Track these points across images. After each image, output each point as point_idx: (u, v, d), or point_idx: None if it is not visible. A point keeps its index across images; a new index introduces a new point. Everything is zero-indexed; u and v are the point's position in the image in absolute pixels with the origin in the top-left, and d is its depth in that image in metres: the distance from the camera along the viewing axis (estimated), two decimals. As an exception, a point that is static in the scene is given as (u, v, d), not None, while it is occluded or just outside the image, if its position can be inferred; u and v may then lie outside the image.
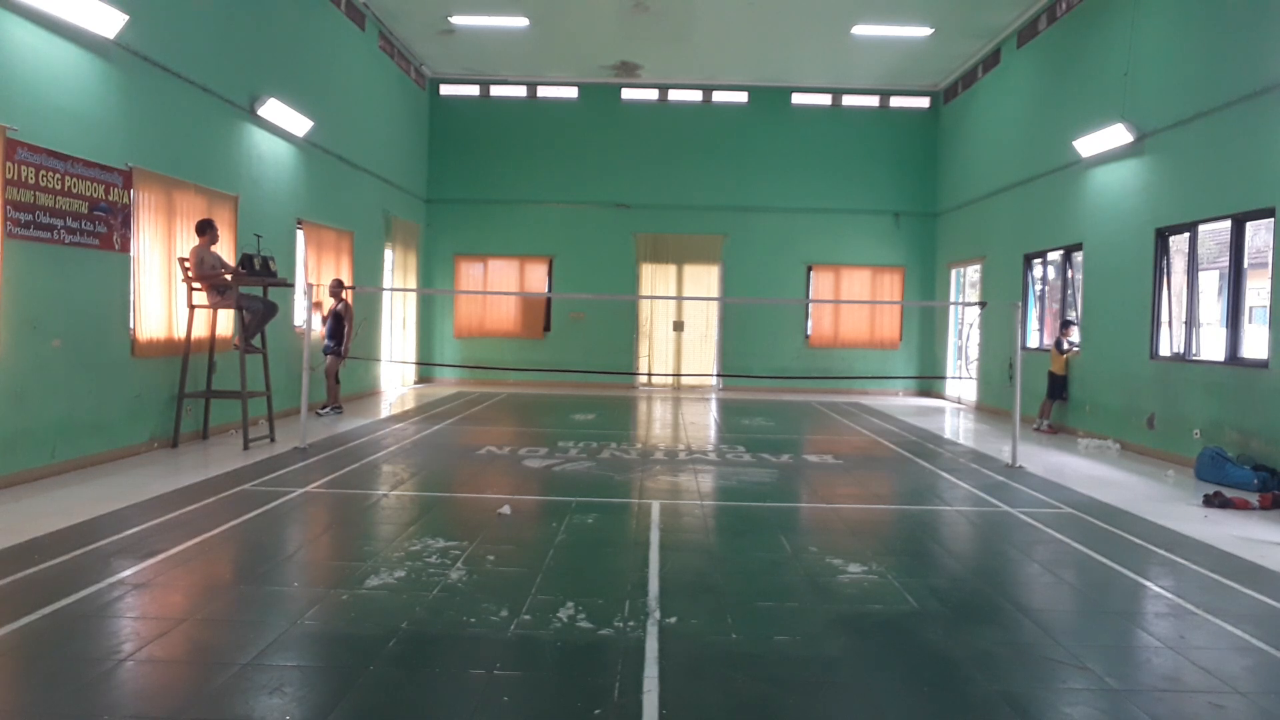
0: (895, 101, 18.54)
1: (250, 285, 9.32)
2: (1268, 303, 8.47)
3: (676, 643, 3.97)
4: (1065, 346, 12.30)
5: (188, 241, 9.07)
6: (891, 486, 8.24)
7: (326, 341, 12.06)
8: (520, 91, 18.54)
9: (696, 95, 18.54)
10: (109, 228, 7.91)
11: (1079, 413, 12.11)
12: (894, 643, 4.10)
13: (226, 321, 9.78)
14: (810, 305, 18.65)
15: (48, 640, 3.84)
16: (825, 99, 18.47)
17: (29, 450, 7.06)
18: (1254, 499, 7.57)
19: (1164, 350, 10.26)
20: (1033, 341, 13.97)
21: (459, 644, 3.93)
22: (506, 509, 6.47)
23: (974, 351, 16.43)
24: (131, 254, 8.31)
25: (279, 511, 6.41)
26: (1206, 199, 9.43)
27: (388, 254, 15.96)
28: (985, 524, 6.70)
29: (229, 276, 8.99)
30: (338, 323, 12.01)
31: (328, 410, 12.01)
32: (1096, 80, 11.78)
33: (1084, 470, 9.17)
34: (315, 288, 12.20)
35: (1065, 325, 12.48)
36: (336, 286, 11.95)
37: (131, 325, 8.38)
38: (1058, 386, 12.36)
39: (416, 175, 17.84)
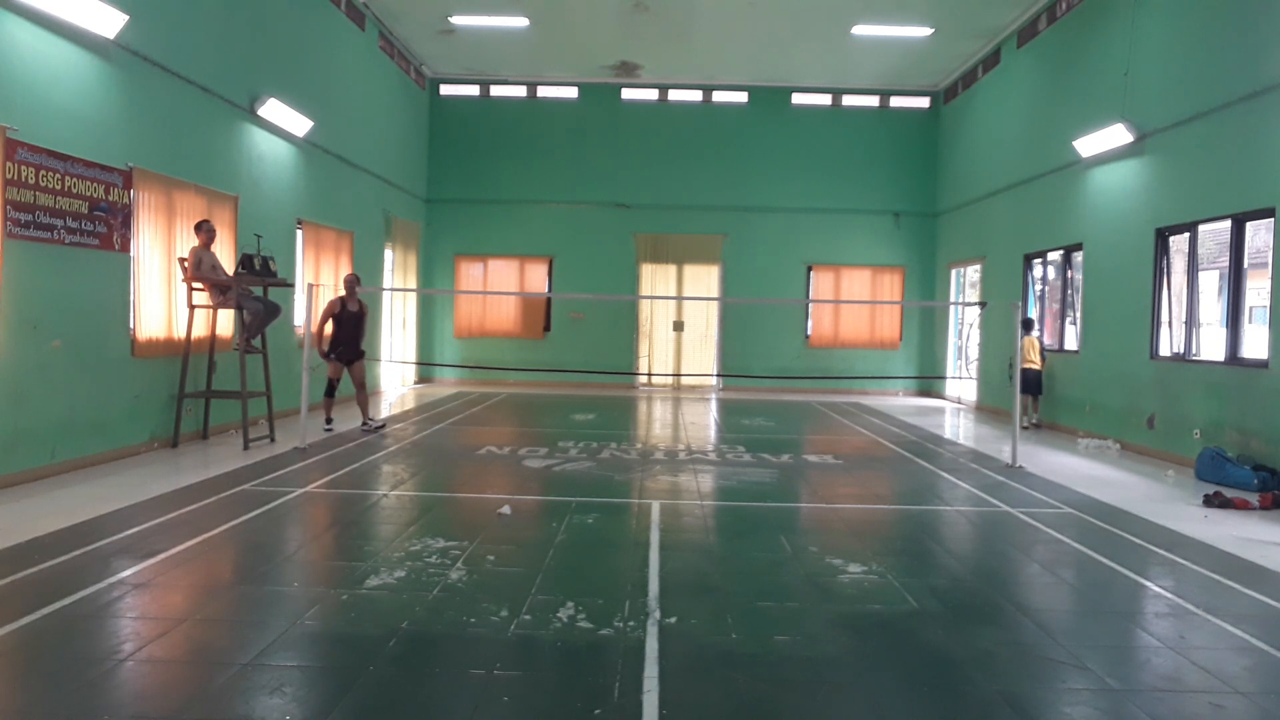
0: (895, 101, 18.54)
1: (251, 285, 9.31)
2: (1268, 303, 8.47)
3: (676, 643, 3.97)
4: (1045, 350, 12.86)
5: (188, 241, 9.07)
6: (891, 486, 8.24)
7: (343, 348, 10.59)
8: (520, 91, 18.54)
9: (696, 95, 18.54)
10: (109, 228, 7.91)
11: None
12: (894, 643, 4.10)
13: (226, 321, 9.78)
14: (810, 305, 18.66)
15: (48, 640, 3.84)
16: (825, 99, 18.47)
17: (29, 450, 7.06)
18: (1254, 499, 7.57)
19: (1164, 350, 10.26)
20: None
21: (459, 644, 3.93)
22: (506, 509, 6.48)
23: (974, 351, 16.44)
24: (131, 254, 8.31)
25: (279, 511, 6.41)
26: (1206, 199, 9.43)
27: (388, 254, 15.97)
28: (985, 524, 6.70)
29: (228, 278, 9.00)
30: (358, 326, 10.65)
31: (372, 425, 10.69)
32: (1096, 80, 11.78)
33: (1084, 470, 9.17)
34: (316, 288, 12.11)
35: (1026, 324, 12.78)
36: (354, 282, 10.67)
37: (131, 325, 8.38)
38: (1032, 382, 12.48)
39: (416, 175, 17.85)
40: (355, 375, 10.77)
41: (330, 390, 10.63)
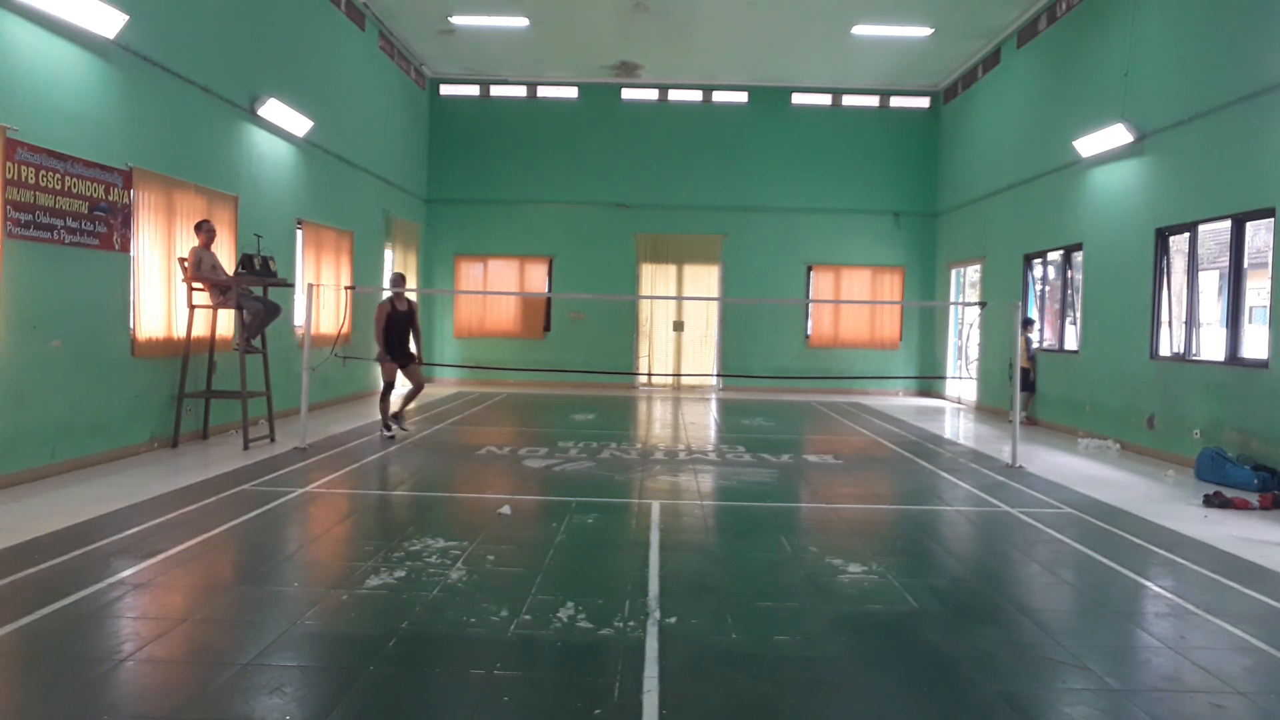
0: (895, 101, 18.54)
1: (251, 285, 9.31)
2: (1268, 303, 8.46)
3: (676, 643, 3.97)
4: (1032, 350, 13.21)
5: (188, 241, 9.07)
6: (891, 486, 8.24)
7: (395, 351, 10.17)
8: (520, 91, 18.54)
9: (696, 95, 18.54)
10: (109, 228, 7.91)
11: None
12: (894, 643, 4.10)
13: (227, 321, 9.78)
14: (810, 305, 18.66)
15: (48, 640, 3.84)
16: (825, 99, 18.47)
17: (29, 450, 7.06)
18: (1254, 499, 7.57)
19: (1164, 350, 10.26)
20: (1033, 341, 13.99)
21: (459, 644, 3.93)
22: (506, 509, 6.47)
23: (974, 352, 16.44)
24: (131, 254, 8.31)
25: (279, 511, 6.41)
26: (1206, 199, 9.43)
27: (388, 254, 15.97)
28: (985, 524, 6.70)
29: (228, 278, 9.00)
30: (406, 327, 10.22)
31: (395, 430, 10.30)
32: (1096, 80, 11.78)
33: (1084, 470, 9.17)
34: (317, 288, 12.04)
35: (1027, 323, 13.28)
36: (398, 281, 10.40)
37: (131, 325, 8.38)
38: (1025, 380, 12.92)
39: (416, 175, 17.85)
40: (411, 378, 10.39)
41: (385, 393, 10.18)
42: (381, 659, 3.71)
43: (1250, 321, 9.33)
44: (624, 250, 18.45)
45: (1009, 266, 14.66)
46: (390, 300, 10.18)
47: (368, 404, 13.87)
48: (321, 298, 12.58)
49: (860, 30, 14.78)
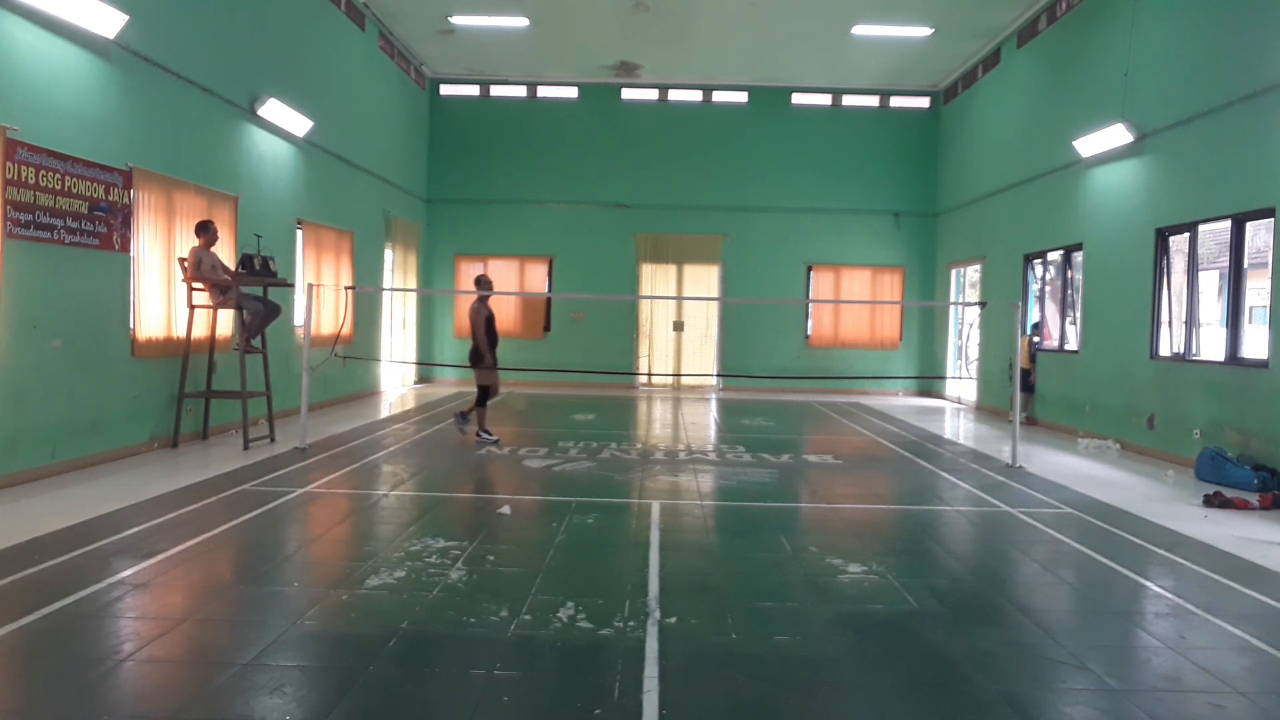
0: (895, 101, 18.54)
1: (250, 285, 9.31)
2: (1268, 303, 8.46)
3: (676, 643, 3.97)
4: (1035, 349, 13.50)
5: (188, 241, 9.07)
6: (891, 486, 8.24)
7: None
8: (520, 91, 18.54)
9: (696, 95, 18.54)
10: (109, 228, 7.91)
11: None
12: (894, 643, 4.10)
13: (226, 321, 9.78)
14: (810, 305, 18.66)
15: (48, 640, 3.83)
16: (825, 99, 18.47)
17: (29, 450, 7.06)
18: (1254, 499, 7.57)
19: (1164, 350, 10.26)
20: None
21: (459, 644, 3.93)
22: (506, 509, 6.48)
23: (974, 352, 16.44)
24: (131, 254, 8.31)
25: (279, 511, 6.41)
26: (1206, 199, 9.43)
27: (388, 254, 15.97)
28: (985, 524, 6.70)
29: (228, 278, 9.00)
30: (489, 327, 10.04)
31: (492, 438, 9.94)
32: (1096, 80, 11.78)
33: (1084, 470, 9.17)
34: (317, 288, 12.03)
35: (1036, 327, 13.66)
36: (488, 286, 10.27)
37: (131, 325, 8.37)
38: (1024, 381, 13.04)
39: (416, 175, 17.85)
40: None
41: (488, 398, 10.04)
42: (381, 659, 3.71)
43: (1250, 321, 9.34)
44: (624, 250, 18.45)
45: (1009, 266, 14.65)
46: (485, 303, 10.00)
47: (368, 404, 13.88)
48: (321, 298, 12.58)
49: (860, 30, 14.78)
